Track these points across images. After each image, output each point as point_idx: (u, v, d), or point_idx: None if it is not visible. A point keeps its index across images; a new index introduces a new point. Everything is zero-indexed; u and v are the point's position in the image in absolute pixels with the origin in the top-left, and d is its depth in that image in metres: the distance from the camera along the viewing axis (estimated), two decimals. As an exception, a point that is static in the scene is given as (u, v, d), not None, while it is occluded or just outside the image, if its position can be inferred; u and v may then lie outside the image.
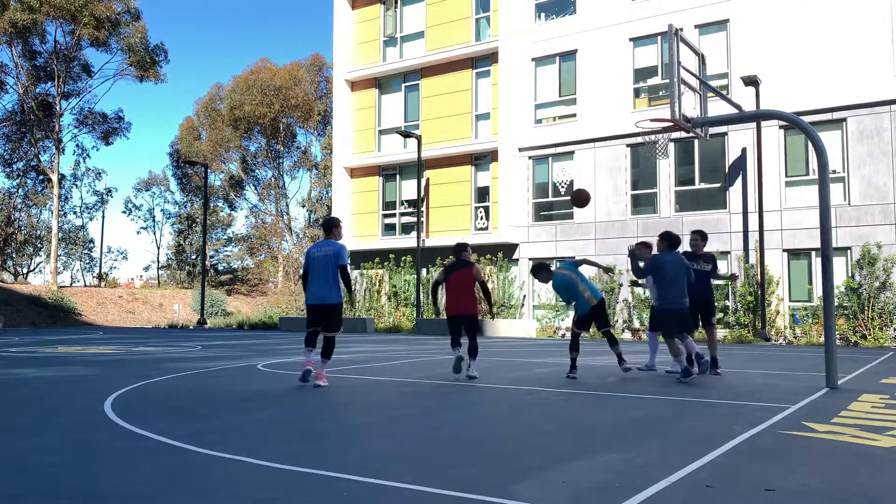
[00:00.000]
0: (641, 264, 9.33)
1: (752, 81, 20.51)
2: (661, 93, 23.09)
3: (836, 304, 15.64)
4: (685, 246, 10.54)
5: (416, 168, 26.41)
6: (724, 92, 21.53)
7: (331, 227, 8.38)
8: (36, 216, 54.60)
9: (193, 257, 57.85)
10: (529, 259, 25.18)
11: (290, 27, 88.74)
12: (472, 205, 26.52)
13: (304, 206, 55.77)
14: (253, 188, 56.36)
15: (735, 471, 4.10)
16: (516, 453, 4.59)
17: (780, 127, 21.08)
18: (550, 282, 9.54)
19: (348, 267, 7.98)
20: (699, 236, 10.01)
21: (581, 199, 9.74)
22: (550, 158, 25.32)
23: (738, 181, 21.74)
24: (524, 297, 25.38)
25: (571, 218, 24.48)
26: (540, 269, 9.60)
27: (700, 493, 3.60)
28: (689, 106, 11.05)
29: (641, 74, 23.74)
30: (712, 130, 19.96)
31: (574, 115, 24.81)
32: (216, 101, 53.61)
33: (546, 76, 25.67)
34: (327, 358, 8.25)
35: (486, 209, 26.16)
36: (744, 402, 7.05)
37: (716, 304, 10.52)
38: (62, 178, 46.92)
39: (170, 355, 13.58)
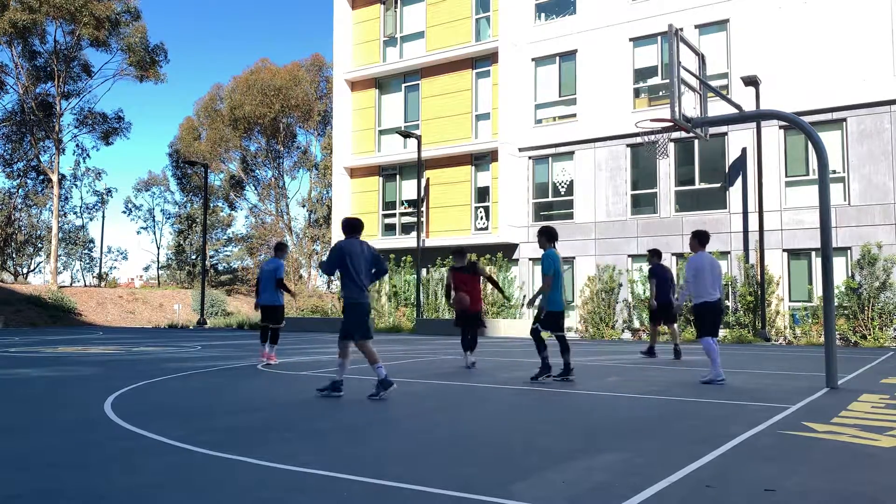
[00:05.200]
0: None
1: (752, 81, 20.51)
2: (661, 93, 23.08)
3: (836, 304, 15.64)
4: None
5: (416, 168, 26.40)
6: (724, 92, 21.53)
7: (278, 249, 11.82)
8: (36, 216, 54.65)
9: (193, 257, 57.83)
10: (530, 259, 25.18)
11: (290, 27, 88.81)
12: (472, 205, 26.52)
13: (304, 206, 55.75)
14: (253, 188, 56.35)
15: (735, 471, 4.09)
16: (516, 453, 4.59)
17: (780, 127, 21.08)
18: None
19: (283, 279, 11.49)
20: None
21: None
22: (550, 158, 25.31)
23: (738, 181, 21.73)
24: (524, 297, 25.37)
25: (571, 218, 24.47)
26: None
27: (700, 493, 3.60)
28: (689, 106, 11.04)
29: (641, 74, 23.73)
30: (712, 130, 19.96)
31: (574, 115, 24.80)
32: (216, 101, 53.56)
33: (546, 76, 25.66)
34: (275, 343, 11.68)
35: (486, 209, 26.15)
36: (744, 402, 7.05)
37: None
38: (62, 178, 46.93)
39: (170, 355, 13.58)
